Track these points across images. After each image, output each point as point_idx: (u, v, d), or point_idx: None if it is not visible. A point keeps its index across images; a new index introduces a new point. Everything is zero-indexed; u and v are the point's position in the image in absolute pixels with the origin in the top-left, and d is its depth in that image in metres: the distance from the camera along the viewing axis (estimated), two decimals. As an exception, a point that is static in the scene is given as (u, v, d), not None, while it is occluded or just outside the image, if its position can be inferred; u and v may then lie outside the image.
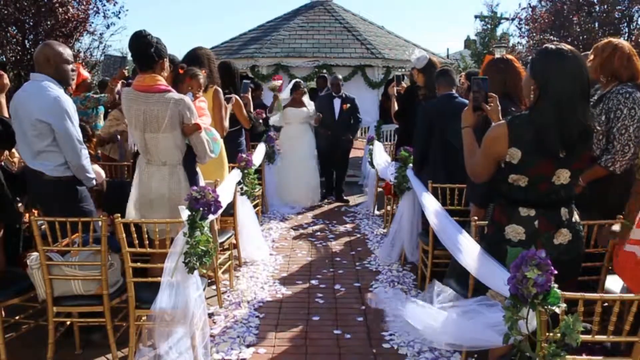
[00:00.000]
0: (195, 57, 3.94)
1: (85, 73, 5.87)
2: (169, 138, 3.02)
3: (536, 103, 2.10)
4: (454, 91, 4.18)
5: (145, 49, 2.96)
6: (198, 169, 3.32)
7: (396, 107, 5.45)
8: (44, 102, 2.96)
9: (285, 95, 7.09)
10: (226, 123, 4.08)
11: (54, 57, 3.05)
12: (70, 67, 3.15)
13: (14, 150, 3.82)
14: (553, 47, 2.11)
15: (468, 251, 2.52)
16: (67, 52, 3.13)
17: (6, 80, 3.41)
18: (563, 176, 2.13)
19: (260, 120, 5.97)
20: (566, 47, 2.11)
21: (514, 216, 2.19)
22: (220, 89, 3.97)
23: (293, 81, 7.25)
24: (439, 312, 2.42)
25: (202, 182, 3.30)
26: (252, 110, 5.05)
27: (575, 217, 2.25)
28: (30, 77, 3.12)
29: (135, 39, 2.99)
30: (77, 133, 3.07)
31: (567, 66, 2.04)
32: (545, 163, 2.10)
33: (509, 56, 3.19)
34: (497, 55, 3.26)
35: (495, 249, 2.25)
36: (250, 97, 5.06)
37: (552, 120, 2.03)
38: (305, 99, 7.01)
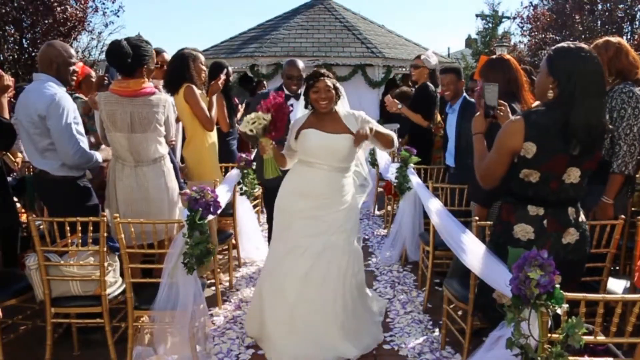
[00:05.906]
0: (179, 57, 3.92)
1: (87, 68, 5.67)
2: (152, 137, 3.15)
3: (556, 101, 2.09)
4: None
5: (122, 59, 3.03)
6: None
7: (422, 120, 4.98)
8: (42, 100, 2.96)
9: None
10: (213, 114, 3.93)
11: (57, 57, 3.06)
12: (72, 68, 3.15)
13: (18, 152, 3.82)
14: (573, 45, 2.12)
15: (472, 251, 2.50)
16: (69, 53, 3.14)
17: (6, 82, 3.33)
18: (573, 175, 2.13)
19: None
20: (584, 45, 2.12)
21: (522, 215, 2.18)
22: (193, 86, 3.82)
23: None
24: None
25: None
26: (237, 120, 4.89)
27: (582, 216, 2.25)
28: (33, 77, 3.13)
29: (111, 51, 3.05)
30: (74, 130, 3.03)
31: (589, 65, 2.05)
32: (559, 160, 2.09)
33: (507, 55, 3.18)
34: (497, 54, 3.24)
35: (503, 249, 2.22)
36: (237, 100, 4.90)
37: (575, 117, 2.02)
38: (342, 106, 3.22)
